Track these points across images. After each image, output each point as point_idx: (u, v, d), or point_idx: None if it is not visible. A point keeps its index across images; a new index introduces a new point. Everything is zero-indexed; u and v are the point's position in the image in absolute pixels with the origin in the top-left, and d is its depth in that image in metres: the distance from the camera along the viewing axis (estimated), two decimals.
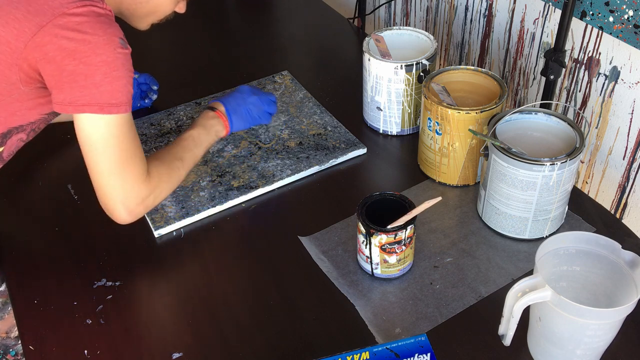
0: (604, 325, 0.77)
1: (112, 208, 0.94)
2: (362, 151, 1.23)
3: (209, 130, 1.09)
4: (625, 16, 1.05)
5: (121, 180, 0.92)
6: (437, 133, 1.09)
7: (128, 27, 1.69)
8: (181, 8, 1.09)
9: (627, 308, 0.75)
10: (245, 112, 1.14)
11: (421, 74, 1.18)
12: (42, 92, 0.92)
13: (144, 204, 0.96)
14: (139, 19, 1.05)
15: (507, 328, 0.82)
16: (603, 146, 1.22)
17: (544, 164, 0.93)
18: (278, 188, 1.16)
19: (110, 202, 0.94)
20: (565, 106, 1.28)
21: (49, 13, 0.85)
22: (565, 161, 0.94)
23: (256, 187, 1.14)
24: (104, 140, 0.90)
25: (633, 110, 1.13)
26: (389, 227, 0.92)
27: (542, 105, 1.23)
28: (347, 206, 1.10)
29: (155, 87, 1.35)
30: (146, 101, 1.35)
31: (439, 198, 0.93)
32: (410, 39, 1.27)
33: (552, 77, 1.18)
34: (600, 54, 1.15)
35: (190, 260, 1.03)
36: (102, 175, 0.92)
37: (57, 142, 1.27)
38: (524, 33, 1.32)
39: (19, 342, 1.17)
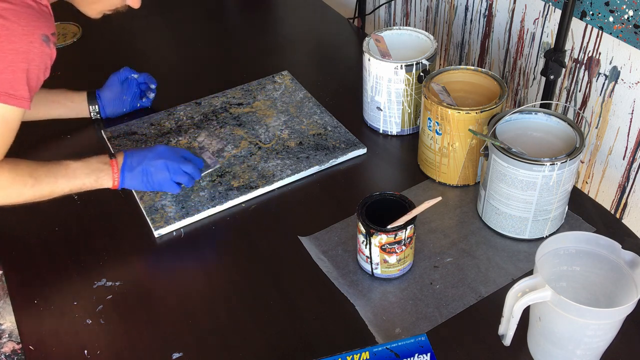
0: (604, 325, 0.77)
1: None
2: (362, 151, 1.23)
3: (90, 174, 1.02)
4: (625, 16, 1.05)
5: None
6: (437, 133, 1.09)
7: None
8: (135, 3, 1.03)
9: (627, 308, 0.75)
10: (142, 172, 1.05)
11: (421, 74, 1.18)
12: None
13: None
14: (86, 5, 1.02)
15: (507, 328, 0.82)
16: (603, 146, 1.22)
17: (544, 164, 0.93)
18: (278, 188, 1.16)
19: None
20: (565, 106, 1.28)
21: None
22: (565, 161, 0.94)
23: (256, 187, 1.14)
24: None
25: (633, 110, 1.13)
26: (389, 227, 0.92)
27: (542, 105, 1.23)
28: (347, 206, 1.10)
29: (153, 86, 1.34)
30: (144, 100, 1.35)
31: (439, 198, 0.93)
32: (410, 39, 1.27)
33: (552, 77, 1.18)
34: (600, 54, 1.15)
35: (190, 260, 1.03)
36: None
37: (56, 141, 1.27)
38: (524, 33, 1.32)
39: None
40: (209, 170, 1.16)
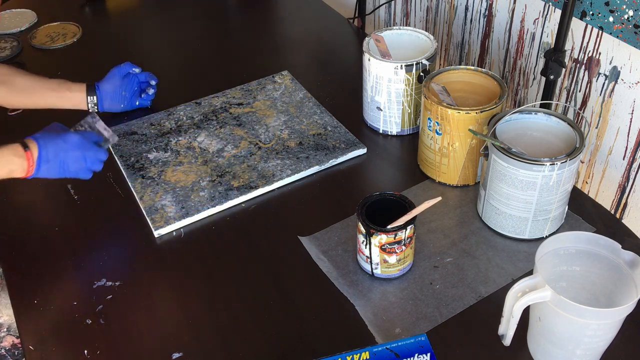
0: (604, 325, 0.77)
1: None
2: (362, 151, 1.23)
3: (3, 167, 0.99)
4: (625, 16, 1.05)
5: None
6: (437, 133, 1.09)
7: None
8: None
9: (627, 308, 0.75)
10: (60, 164, 1.03)
11: (421, 74, 1.18)
12: None
13: None
14: None
15: (507, 328, 0.83)
16: (603, 146, 1.22)
17: (544, 164, 0.93)
18: (278, 188, 1.16)
19: None
20: (565, 106, 1.28)
21: None
22: (565, 161, 0.94)
23: (256, 187, 1.14)
24: None
25: (633, 110, 1.13)
26: (389, 227, 0.92)
27: (542, 105, 1.23)
28: (347, 206, 1.10)
29: (153, 82, 1.34)
30: (143, 96, 1.34)
31: (439, 198, 0.93)
32: (410, 39, 1.27)
33: (552, 77, 1.18)
34: (600, 54, 1.15)
35: (190, 260, 1.03)
36: None
37: None
38: (524, 33, 1.32)
39: None
40: (108, 145, 1.14)
